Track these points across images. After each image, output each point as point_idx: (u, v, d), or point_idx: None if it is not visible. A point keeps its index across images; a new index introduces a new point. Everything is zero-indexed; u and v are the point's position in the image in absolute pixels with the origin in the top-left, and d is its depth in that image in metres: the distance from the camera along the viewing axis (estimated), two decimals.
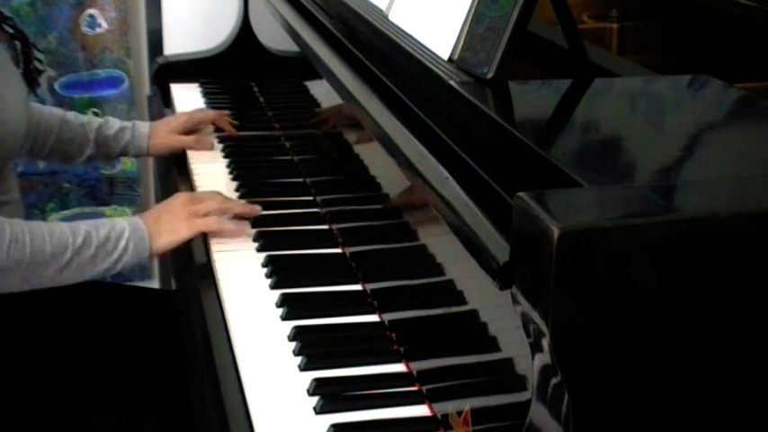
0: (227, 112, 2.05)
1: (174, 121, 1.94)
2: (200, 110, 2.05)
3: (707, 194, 0.82)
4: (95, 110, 2.66)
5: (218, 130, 2.03)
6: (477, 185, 0.97)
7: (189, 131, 1.95)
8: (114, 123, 1.87)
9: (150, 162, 2.69)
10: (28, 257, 1.38)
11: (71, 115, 1.83)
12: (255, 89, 2.30)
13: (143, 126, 1.90)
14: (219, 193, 1.60)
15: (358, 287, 1.42)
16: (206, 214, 1.53)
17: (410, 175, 1.14)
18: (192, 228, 1.51)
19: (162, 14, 2.68)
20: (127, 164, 2.71)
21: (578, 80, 1.15)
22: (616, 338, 0.77)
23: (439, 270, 1.13)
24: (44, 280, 1.41)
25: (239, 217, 1.58)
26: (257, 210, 1.60)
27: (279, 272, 1.45)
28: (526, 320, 0.80)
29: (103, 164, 2.64)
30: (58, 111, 1.83)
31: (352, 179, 1.53)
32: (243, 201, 1.65)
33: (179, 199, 1.55)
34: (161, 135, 1.90)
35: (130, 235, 1.45)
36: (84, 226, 1.44)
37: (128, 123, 1.88)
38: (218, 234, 1.54)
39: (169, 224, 1.50)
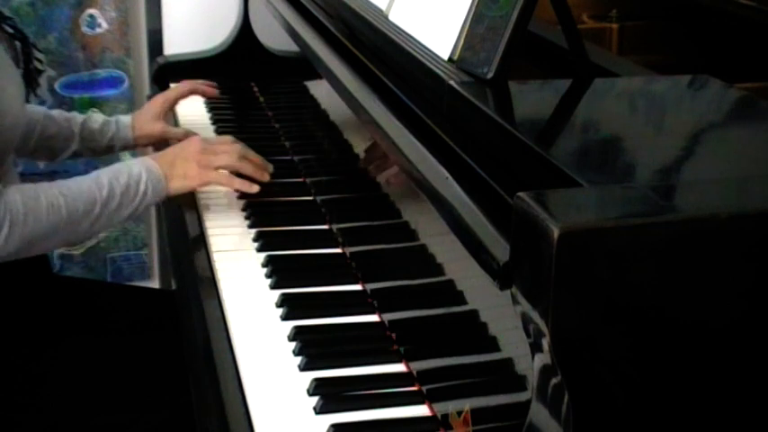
0: (201, 81, 2.04)
1: (152, 106, 1.92)
2: (174, 88, 2.03)
3: (707, 194, 0.82)
4: (95, 110, 2.66)
5: (213, 115, 2.03)
6: (477, 185, 0.97)
7: (168, 111, 1.95)
8: (98, 117, 1.87)
9: None
10: (65, 219, 1.44)
11: (55, 112, 1.83)
12: (255, 89, 2.30)
13: (125, 118, 1.90)
14: (235, 142, 1.64)
15: (358, 287, 1.41)
16: (219, 167, 1.59)
17: (410, 175, 1.14)
18: (203, 179, 1.58)
19: (162, 14, 2.68)
20: None
21: (578, 80, 1.15)
22: (616, 338, 0.77)
23: (439, 270, 1.13)
24: (79, 236, 1.49)
25: (249, 178, 1.63)
26: (267, 172, 1.64)
27: (279, 272, 1.45)
28: (526, 320, 0.80)
29: (90, 158, 2.60)
30: (41, 108, 1.84)
31: (352, 179, 1.53)
32: (257, 156, 1.65)
33: (193, 145, 1.60)
34: (143, 122, 1.89)
35: (148, 178, 1.52)
36: (104, 177, 1.50)
37: (111, 118, 1.89)
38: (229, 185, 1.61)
39: (182, 170, 1.56)
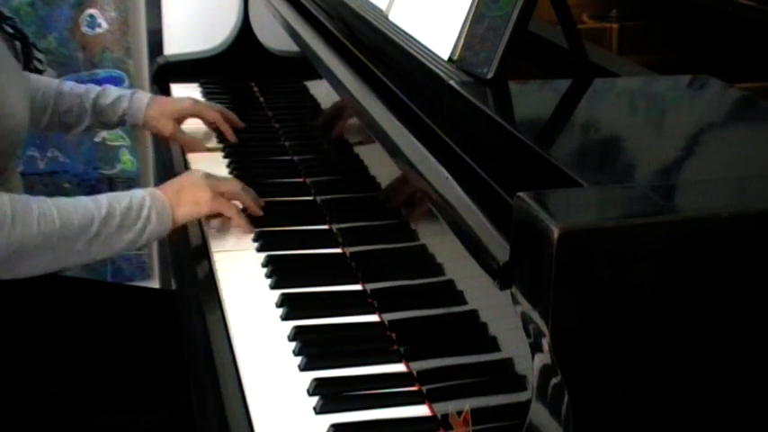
0: (232, 115, 2.01)
1: (177, 103, 1.92)
2: (208, 104, 2.01)
3: (707, 194, 0.82)
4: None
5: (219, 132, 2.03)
6: (477, 185, 0.97)
7: (184, 117, 1.93)
8: (112, 92, 1.86)
9: (150, 162, 2.70)
10: (58, 231, 1.36)
11: (67, 86, 1.83)
12: (255, 89, 2.30)
13: (143, 96, 1.88)
14: (237, 182, 1.61)
15: (358, 287, 1.41)
16: (225, 195, 1.54)
17: (410, 175, 1.14)
18: (214, 205, 1.52)
19: (162, 14, 2.68)
20: (127, 164, 2.71)
21: (578, 80, 1.15)
22: (616, 338, 0.77)
23: (439, 270, 1.13)
24: (75, 256, 1.39)
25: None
26: (259, 208, 1.61)
27: (279, 272, 1.45)
28: (526, 320, 0.80)
29: (102, 130, 2.54)
30: (55, 82, 1.83)
31: (352, 179, 1.53)
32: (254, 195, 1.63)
33: (198, 173, 1.55)
34: (158, 113, 1.87)
35: (152, 204, 1.45)
36: (104, 198, 1.43)
37: (126, 92, 1.87)
38: (229, 220, 1.57)
39: (191, 196, 1.50)
